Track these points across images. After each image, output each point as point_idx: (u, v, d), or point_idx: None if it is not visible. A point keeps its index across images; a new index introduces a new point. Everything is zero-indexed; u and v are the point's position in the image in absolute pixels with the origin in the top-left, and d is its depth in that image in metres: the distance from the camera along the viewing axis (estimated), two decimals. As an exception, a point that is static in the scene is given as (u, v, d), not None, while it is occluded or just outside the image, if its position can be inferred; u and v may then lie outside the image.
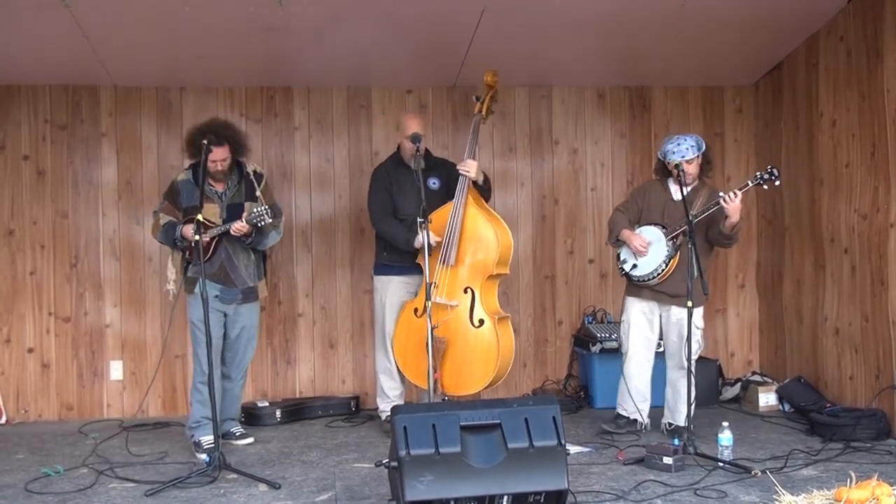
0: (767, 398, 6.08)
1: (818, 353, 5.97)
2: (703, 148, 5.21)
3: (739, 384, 6.43)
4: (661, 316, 5.34)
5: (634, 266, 5.25)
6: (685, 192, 4.99)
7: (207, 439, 4.89)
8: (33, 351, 6.32)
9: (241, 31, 5.55)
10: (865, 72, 5.36)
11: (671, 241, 5.17)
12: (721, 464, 4.45)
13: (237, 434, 5.40)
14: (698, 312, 5.11)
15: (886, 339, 5.18)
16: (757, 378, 6.43)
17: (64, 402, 6.33)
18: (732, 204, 4.91)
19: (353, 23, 5.51)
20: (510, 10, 5.40)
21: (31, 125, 6.33)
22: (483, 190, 5.44)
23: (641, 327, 5.35)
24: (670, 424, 5.33)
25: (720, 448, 4.51)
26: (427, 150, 5.58)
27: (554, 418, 3.64)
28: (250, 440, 5.38)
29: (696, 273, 4.68)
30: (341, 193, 6.61)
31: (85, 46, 5.60)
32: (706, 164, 5.30)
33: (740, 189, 4.96)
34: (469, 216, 5.28)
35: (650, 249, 5.20)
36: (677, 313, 5.21)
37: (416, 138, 5.29)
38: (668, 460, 4.42)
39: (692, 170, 5.18)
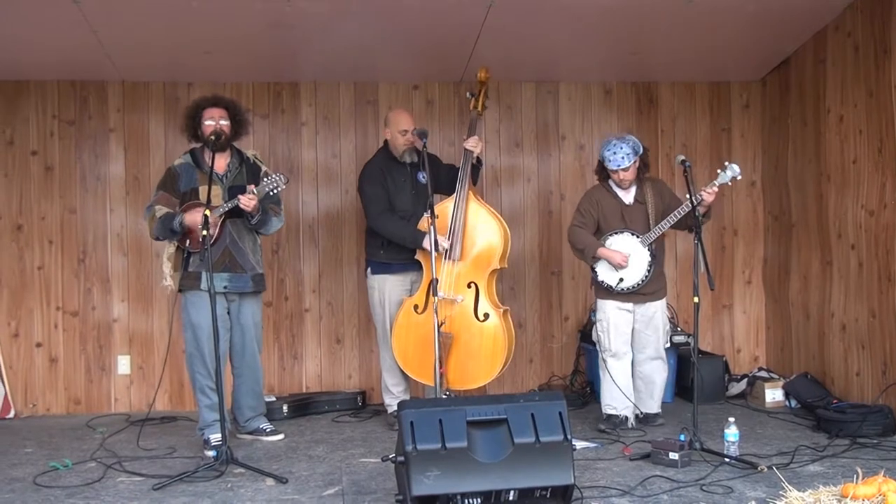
0: (774, 394, 6.08)
1: (825, 350, 5.97)
2: (641, 151, 5.35)
3: (746, 380, 6.42)
4: (634, 312, 5.41)
5: (621, 280, 5.29)
6: (636, 195, 5.37)
7: (216, 437, 4.84)
8: (41, 345, 6.35)
9: (248, 27, 5.56)
10: (873, 68, 5.35)
11: (648, 247, 5.27)
12: (727, 459, 4.45)
13: (267, 430, 5.33)
14: (665, 302, 5.50)
15: (893, 335, 5.17)
16: (763, 374, 6.43)
17: (72, 396, 6.36)
18: (712, 198, 5.04)
19: (359, 18, 5.51)
20: (517, 6, 5.39)
21: (40, 121, 6.35)
22: (477, 169, 5.50)
23: (620, 325, 5.38)
24: (642, 412, 5.45)
25: (726, 444, 4.51)
26: (414, 146, 5.61)
27: (560, 414, 3.65)
28: (281, 436, 5.32)
29: (702, 268, 4.68)
30: (348, 189, 6.61)
31: (93, 41, 5.61)
32: (643, 165, 5.43)
33: (715, 184, 5.01)
34: (471, 210, 5.33)
35: (630, 260, 5.27)
36: (651, 307, 5.39)
37: (423, 134, 5.30)
38: (674, 456, 4.42)
39: (629, 175, 5.32)
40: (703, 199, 4.99)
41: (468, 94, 5.61)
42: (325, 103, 6.62)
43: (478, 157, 5.48)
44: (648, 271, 5.26)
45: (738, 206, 6.88)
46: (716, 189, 5.02)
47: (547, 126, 6.79)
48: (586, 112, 6.81)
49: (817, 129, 6.01)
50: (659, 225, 5.24)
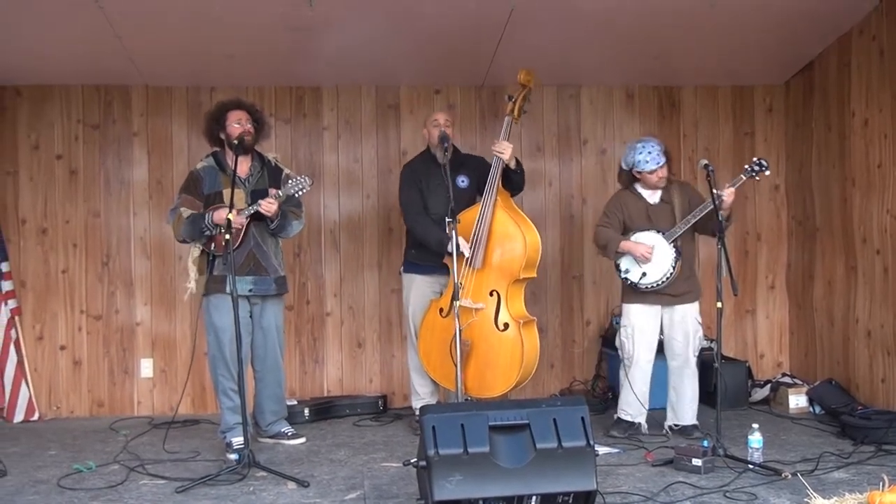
0: (798, 400, 6.03)
1: (849, 355, 5.92)
2: (663, 146, 5.33)
3: (769, 386, 6.38)
4: (662, 317, 5.33)
5: (644, 275, 5.23)
6: (662, 195, 5.31)
7: (238, 440, 4.85)
8: (65, 348, 6.40)
9: (270, 31, 5.58)
10: (899, 71, 5.31)
11: (673, 244, 5.20)
12: (751, 466, 4.42)
13: (289, 434, 5.34)
14: (696, 307, 5.34)
15: (919, 341, 5.13)
16: (787, 380, 6.38)
17: (95, 398, 6.41)
18: (731, 198, 5.00)
19: (381, 22, 5.53)
20: (539, 10, 5.39)
21: (64, 125, 6.41)
22: (516, 175, 5.37)
23: (646, 332, 5.31)
24: (676, 425, 5.35)
25: (750, 450, 4.48)
26: (455, 148, 5.60)
27: (582, 419, 3.63)
28: (302, 440, 5.34)
29: (725, 272, 4.64)
30: (369, 193, 6.63)
31: (117, 47, 5.65)
32: (668, 159, 5.38)
33: (733, 185, 5.02)
34: (497, 218, 5.25)
35: (654, 254, 5.20)
36: (681, 311, 5.29)
37: (444, 138, 5.30)
38: (697, 462, 4.39)
39: (665, 173, 5.30)
40: (723, 200, 4.94)
41: (507, 96, 5.45)
42: (347, 107, 6.64)
43: (516, 161, 5.34)
44: (673, 267, 5.17)
45: (761, 211, 6.84)
46: (733, 189, 4.98)
47: (569, 130, 6.78)
48: (608, 116, 6.79)
49: (842, 133, 5.97)
50: (683, 221, 5.18)
